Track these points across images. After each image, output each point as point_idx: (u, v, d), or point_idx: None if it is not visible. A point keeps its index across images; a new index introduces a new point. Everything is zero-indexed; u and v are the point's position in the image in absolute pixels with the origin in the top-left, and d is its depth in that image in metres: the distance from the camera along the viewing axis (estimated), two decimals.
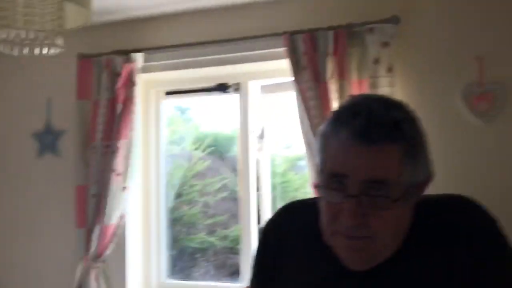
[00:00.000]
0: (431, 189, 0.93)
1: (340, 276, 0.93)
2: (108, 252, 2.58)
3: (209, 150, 3.43)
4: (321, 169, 0.90)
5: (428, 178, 0.89)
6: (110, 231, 2.55)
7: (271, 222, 1.09)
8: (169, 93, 2.82)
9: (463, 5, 2.14)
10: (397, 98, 0.92)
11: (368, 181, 0.83)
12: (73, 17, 1.40)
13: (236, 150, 2.93)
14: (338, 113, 0.89)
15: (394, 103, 0.89)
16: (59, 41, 1.36)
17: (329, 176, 0.87)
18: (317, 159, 0.92)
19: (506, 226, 0.95)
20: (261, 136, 2.63)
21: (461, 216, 0.91)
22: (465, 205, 0.93)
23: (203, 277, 3.33)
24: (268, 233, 1.07)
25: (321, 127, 0.92)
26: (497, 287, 0.87)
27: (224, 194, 3.48)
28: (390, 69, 2.11)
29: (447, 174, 2.06)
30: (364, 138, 0.82)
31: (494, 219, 0.91)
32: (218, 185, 3.50)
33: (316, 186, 0.90)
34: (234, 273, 3.37)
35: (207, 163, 3.50)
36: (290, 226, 1.04)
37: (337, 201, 0.86)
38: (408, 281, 0.90)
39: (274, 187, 2.83)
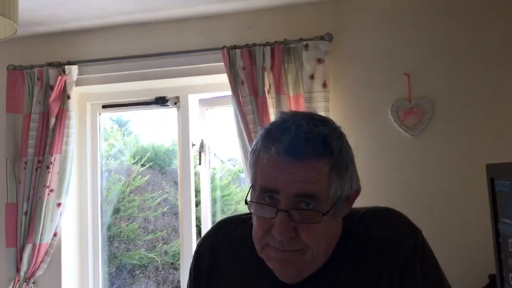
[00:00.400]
0: (362, 199, 0.97)
1: None
2: (40, 272, 2.47)
3: (149, 164, 3.38)
4: (253, 185, 0.92)
5: (356, 191, 0.93)
6: (42, 250, 2.44)
7: (205, 238, 1.09)
8: (106, 106, 2.75)
9: (391, 25, 2.25)
10: (323, 115, 0.97)
11: (297, 195, 0.85)
12: None
13: (176, 163, 2.91)
14: (268, 130, 0.91)
15: (321, 119, 0.92)
16: None
17: (261, 191, 0.89)
18: (249, 175, 0.94)
19: (430, 233, 1.02)
20: (201, 150, 2.63)
21: (388, 227, 0.96)
22: (391, 217, 0.98)
23: None
24: (202, 250, 1.07)
25: (253, 144, 0.94)
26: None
27: (165, 209, 3.43)
28: (324, 85, 2.18)
29: (378, 185, 2.15)
30: (292, 153, 0.85)
31: (418, 229, 0.97)
32: (158, 200, 3.45)
33: (248, 202, 0.91)
34: None
35: (147, 177, 3.45)
36: (224, 242, 1.05)
37: (268, 216, 0.88)
38: (339, 285, 0.93)
39: (215, 201, 2.83)
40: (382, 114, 2.21)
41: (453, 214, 2.12)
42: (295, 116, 0.91)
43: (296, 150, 0.84)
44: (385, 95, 2.22)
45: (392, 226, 0.96)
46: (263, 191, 0.88)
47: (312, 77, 2.18)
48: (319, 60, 2.18)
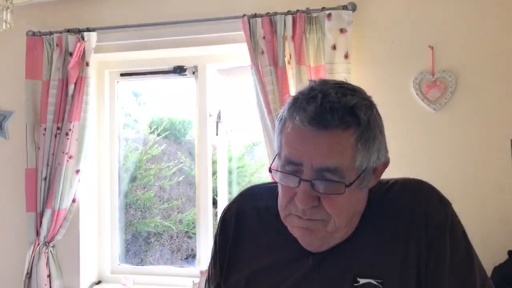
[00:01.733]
0: (385, 173, 0.96)
1: (298, 257, 0.96)
2: (59, 237, 2.52)
3: (164, 134, 3.39)
4: (278, 153, 0.92)
5: (385, 163, 0.92)
6: (61, 215, 2.48)
7: (231, 206, 1.10)
8: (124, 74, 2.74)
9: None
10: (355, 84, 0.93)
11: (321, 169, 0.85)
12: None
13: (192, 134, 2.91)
14: (295, 98, 0.89)
15: (352, 88, 0.90)
16: (8, 17, 1.29)
17: (285, 161, 0.89)
18: (276, 142, 0.94)
19: (455, 208, 1.00)
20: (218, 120, 2.62)
21: (417, 198, 0.94)
22: (421, 188, 0.96)
23: (157, 261, 3.31)
24: (228, 216, 1.08)
25: (280, 111, 0.93)
26: (452, 262, 0.90)
27: (180, 178, 3.46)
28: (346, 56, 2.14)
29: (400, 159, 2.13)
30: (317, 123, 0.83)
31: (448, 202, 0.95)
32: (173, 169, 3.47)
33: (272, 170, 0.91)
34: (189, 257, 3.37)
35: (163, 147, 3.47)
36: (250, 210, 1.05)
37: (292, 185, 0.88)
38: (364, 260, 0.92)
39: (230, 172, 2.83)
40: (405, 87, 2.18)
41: (475, 190, 2.10)
42: (324, 85, 0.88)
43: (321, 119, 0.83)
44: (408, 67, 2.17)
45: (421, 197, 0.94)
46: (288, 162, 0.88)
47: (334, 47, 2.14)
48: (342, 30, 2.13)
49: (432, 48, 2.14)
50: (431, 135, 2.15)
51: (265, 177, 2.82)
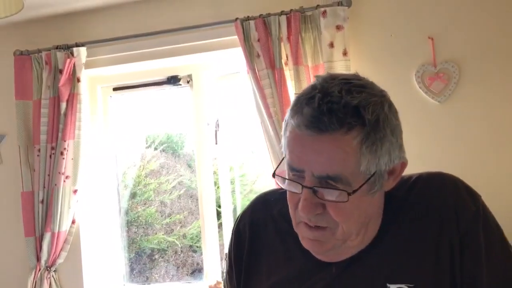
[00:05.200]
0: None
1: (320, 266, 0.90)
2: (60, 260, 2.44)
3: (162, 147, 3.33)
4: (285, 156, 0.86)
5: (402, 164, 0.85)
6: (61, 238, 2.40)
7: (244, 216, 1.04)
8: (116, 88, 2.68)
9: None
10: (366, 79, 0.85)
11: (321, 177, 0.79)
12: (3, 5, 1.26)
13: (189, 146, 2.85)
14: (296, 99, 0.83)
15: (359, 85, 0.81)
16: None
17: (288, 167, 0.83)
18: (282, 146, 0.88)
19: None
20: (217, 129, 2.55)
21: (444, 193, 0.88)
22: (446, 182, 0.90)
23: (163, 278, 3.24)
24: (242, 229, 1.02)
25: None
26: (488, 258, 0.84)
27: (181, 191, 3.40)
28: (345, 53, 2.08)
29: (407, 155, 2.07)
30: (313, 127, 0.77)
31: (477, 194, 0.89)
32: (173, 183, 3.41)
33: (276, 176, 0.85)
34: (195, 271, 3.30)
35: (161, 161, 3.41)
36: (264, 218, 1.00)
37: (295, 191, 0.82)
38: (393, 264, 0.86)
39: (231, 181, 2.76)
40: (407, 81, 2.12)
41: (484, 182, 2.01)
42: (329, 82, 0.80)
43: (318, 123, 0.76)
44: (409, 60, 2.12)
45: (448, 191, 0.87)
46: (290, 168, 0.82)
47: (331, 45, 2.08)
48: (338, 27, 2.08)
49: (432, 39, 2.08)
50: (437, 127, 2.09)
51: (268, 185, 2.75)
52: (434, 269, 0.84)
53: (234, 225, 1.04)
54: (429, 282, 0.84)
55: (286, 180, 0.83)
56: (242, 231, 1.01)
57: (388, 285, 0.85)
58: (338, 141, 0.76)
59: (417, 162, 2.05)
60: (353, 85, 0.79)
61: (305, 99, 0.79)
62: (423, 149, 2.08)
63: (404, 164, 0.85)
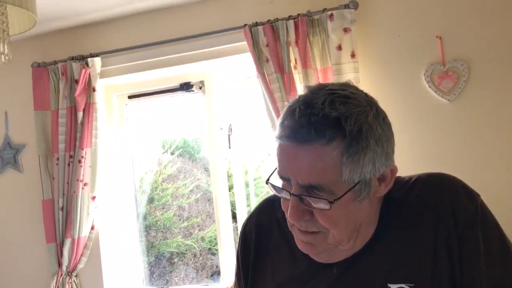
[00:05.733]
0: (402, 168, 0.91)
1: (322, 266, 0.93)
2: (81, 265, 2.50)
3: (178, 152, 3.37)
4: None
5: (391, 170, 0.86)
6: (81, 244, 2.46)
7: (250, 219, 1.07)
8: (131, 96, 2.74)
9: None
10: (352, 89, 0.85)
11: (304, 185, 0.82)
12: (17, 22, 1.32)
13: (205, 150, 2.88)
14: (285, 109, 0.86)
15: (344, 95, 0.82)
16: (5, 48, 1.28)
17: (278, 175, 0.87)
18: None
19: None
20: (230, 133, 2.59)
21: (441, 193, 0.89)
22: (444, 182, 0.91)
23: (183, 281, 3.28)
24: (248, 231, 1.06)
25: None
26: (487, 258, 0.86)
27: (198, 195, 3.43)
28: (353, 55, 2.09)
29: (416, 154, 2.07)
30: (293, 138, 0.80)
31: (475, 193, 0.90)
32: (190, 187, 3.45)
33: (268, 183, 0.88)
34: (214, 274, 3.33)
35: (178, 165, 3.45)
36: (270, 221, 1.03)
37: (286, 197, 0.86)
38: (393, 264, 0.88)
39: (247, 184, 2.79)
40: (416, 81, 2.12)
41: (495, 182, 2.02)
42: (314, 93, 0.83)
43: (296, 135, 0.79)
44: (418, 60, 2.12)
45: (446, 191, 0.89)
46: (279, 177, 0.87)
47: (339, 48, 2.10)
48: (346, 30, 2.09)
49: (440, 38, 2.08)
50: (448, 126, 2.08)
51: None
52: (433, 268, 0.85)
53: (241, 228, 1.08)
54: (429, 282, 0.85)
55: (278, 187, 0.87)
56: (249, 233, 1.05)
57: (389, 285, 0.86)
58: (318, 152, 0.79)
59: (428, 161, 2.07)
60: (338, 96, 0.81)
61: (288, 111, 0.83)
62: (433, 148, 2.08)
63: (393, 170, 0.87)
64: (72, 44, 2.58)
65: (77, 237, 2.43)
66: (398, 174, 0.90)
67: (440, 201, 0.88)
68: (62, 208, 2.46)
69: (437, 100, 2.10)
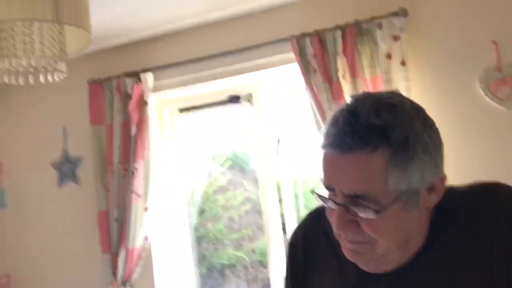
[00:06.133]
0: (457, 178, 0.87)
1: (371, 278, 0.91)
2: (135, 275, 2.56)
3: (229, 164, 3.40)
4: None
5: (440, 179, 0.83)
6: (135, 254, 2.52)
7: (298, 230, 1.08)
8: (182, 110, 2.80)
9: None
10: (400, 97, 0.84)
11: (349, 195, 0.80)
12: (73, 41, 1.38)
13: (254, 161, 2.89)
14: (329, 118, 0.85)
15: (390, 103, 0.81)
16: (62, 66, 1.34)
17: (323, 185, 0.86)
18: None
19: None
20: (279, 145, 2.58)
21: (497, 205, 0.85)
22: (500, 193, 0.87)
23: None
24: (296, 243, 1.06)
25: None
26: None
27: (248, 207, 3.44)
28: (403, 63, 2.05)
29: (472, 163, 1.99)
30: (337, 147, 0.79)
31: None
32: (240, 198, 3.46)
33: (314, 193, 0.88)
34: (266, 287, 3.32)
35: (228, 177, 3.48)
36: (318, 232, 1.02)
37: (332, 207, 0.85)
38: (445, 276, 0.85)
39: (296, 196, 2.77)
40: (471, 88, 2.04)
41: None
42: (360, 102, 0.82)
43: (341, 143, 0.78)
44: (471, 66, 2.04)
45: (501, 204, 0.84)
46: (324, 187, 0.85)
47: (389, 56, 2.06)
48: (395, 38, 2.05)
49: (495, 43, 2.00)
50: (505, 135, 1.99)
51: None
52: (488, 283, 0.82)
53: (290, 239, 1.08)
54: None
55: (325, 198, 0.86)
56: (296, 245, 1.05)
57: None
58: (362, 161, 0.78)
59: (485, 172, 1.98)
60: (383, 104, 0.80)
61: (333, 120, 0.82)
62: (491, 157, 1.99)
63: (443, 179, 0.84)
64: (125, 60, 2.68)
65: (131, 247, 2.50)
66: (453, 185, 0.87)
67: (495, 212, 0.84)
68: (116, 219, 2.54)
69: (496, 108, 2.01)
